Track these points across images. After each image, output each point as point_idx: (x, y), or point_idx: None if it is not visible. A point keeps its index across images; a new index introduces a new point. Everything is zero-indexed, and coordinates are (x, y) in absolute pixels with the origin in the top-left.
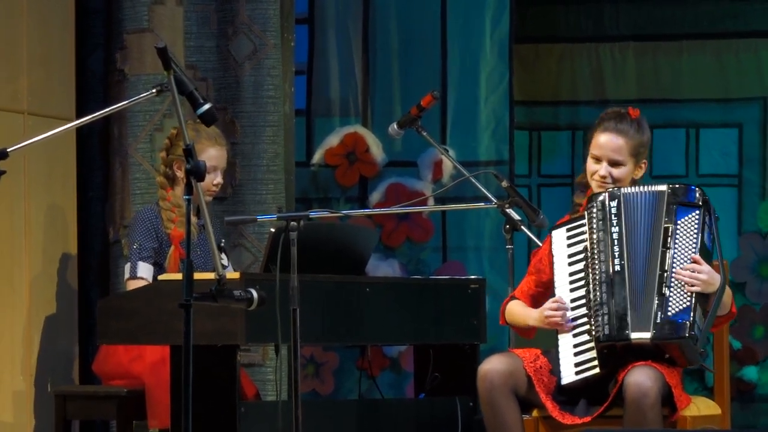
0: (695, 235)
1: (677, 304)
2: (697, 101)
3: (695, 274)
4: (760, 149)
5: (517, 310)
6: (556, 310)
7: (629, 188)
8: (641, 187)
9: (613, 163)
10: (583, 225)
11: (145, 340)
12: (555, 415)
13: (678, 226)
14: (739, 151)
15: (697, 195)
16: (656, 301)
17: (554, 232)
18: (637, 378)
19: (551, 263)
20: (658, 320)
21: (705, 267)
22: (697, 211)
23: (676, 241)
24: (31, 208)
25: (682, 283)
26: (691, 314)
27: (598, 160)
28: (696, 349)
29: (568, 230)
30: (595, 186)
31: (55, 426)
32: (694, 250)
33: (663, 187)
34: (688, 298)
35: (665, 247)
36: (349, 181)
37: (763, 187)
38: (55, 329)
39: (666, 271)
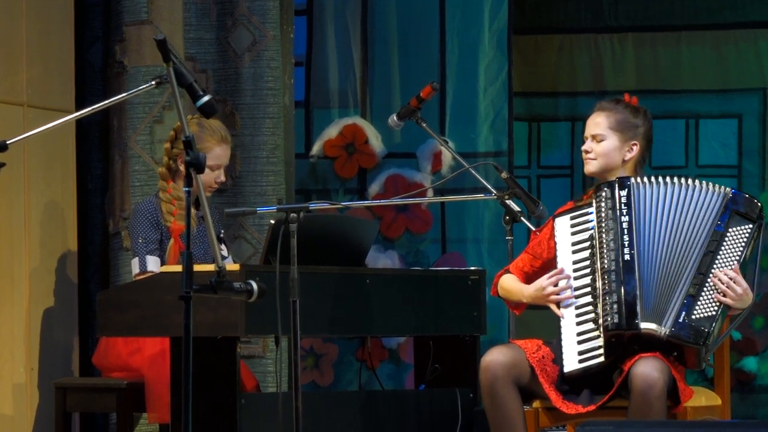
0: (741, 248)
1: (704, 310)
2: (696, 92)
3: (733, 285)
4: (759, 140)
5: (511, 285)
6: (554, 284)
7: (641, 178)
8: (683, 181)
9: (595, 138)
10: (588, 213)
11: (145, 332)
12: (558, 405)
13: (728, 234)
14: (739, 141)
15: (757, 209)
16: (683, 300)
17: (557, 220)
18: (644, 369)
19: (551, 249)
20: (680, 319)
21: (743, 283)
22: (751, 226)
23: (722, 248)
24: (31, 200)
25: (716, 289)
26: (714, 324)
27: (585, 139)
28: (705, 358)
29: (572, 218)
30: (584, 165)
31: (55, 418)
32: (737, 261)
33: (728, 190)
34: (716, 308)
35: (710, 250)
36: (348, 172)
37: (762, 177)
38: (55, 322)
39: (703, 274)
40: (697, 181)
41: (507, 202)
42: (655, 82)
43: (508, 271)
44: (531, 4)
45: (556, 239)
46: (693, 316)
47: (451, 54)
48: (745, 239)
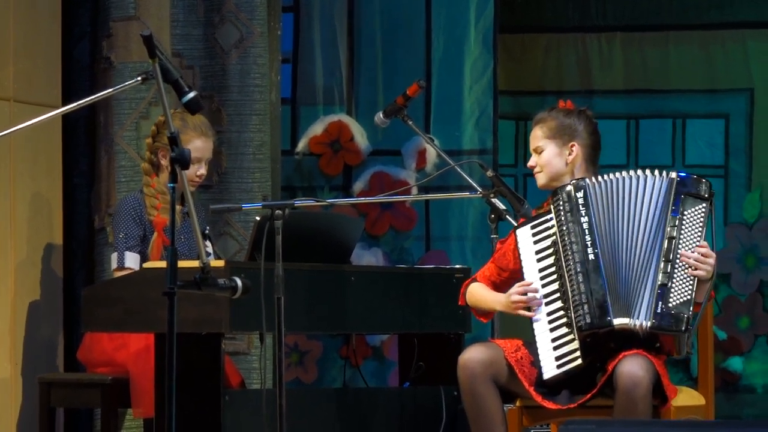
0: (700, 229)
1: (679, 296)
2: (683, 92)
3: (705, 258)
4: (746, 140)
5: (482, 293)
6: (523, 294)
7: (594, 178)
8: (630, 173)
9: (535, 152)
10: (548, 220)
11: (130, 327)
12: (539, 401)
13: (685, 217)
14: (726, 141)
15: (706, 187)
16: (657, 290)
17: (518, 231)
18: (630, 368)
19: (516, 260)
20: (658, 310)
21: (713, 254)
22: (705, 204)
23: (683, 232)
24: (17, 195)
25: (688, 266)
26: (691, 308)
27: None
28: (688, 343)
29: (533, 227)
30: (536, 181)
31: (40, 413)
32: (699, 240)
33: (672, 175)
34: (689, 292)
35: (671, 237)
36: (334, 169)
37: (749, 177)
38: (40, 317)
39: (669, 262)
40: (641, 171)
41: (492, 200)
42: (643, 81)
43: (475, 280)
44: (519, 3)
45: (519, 251)
46: (670, 304)
47: (437, 51)
48: (702, 218)
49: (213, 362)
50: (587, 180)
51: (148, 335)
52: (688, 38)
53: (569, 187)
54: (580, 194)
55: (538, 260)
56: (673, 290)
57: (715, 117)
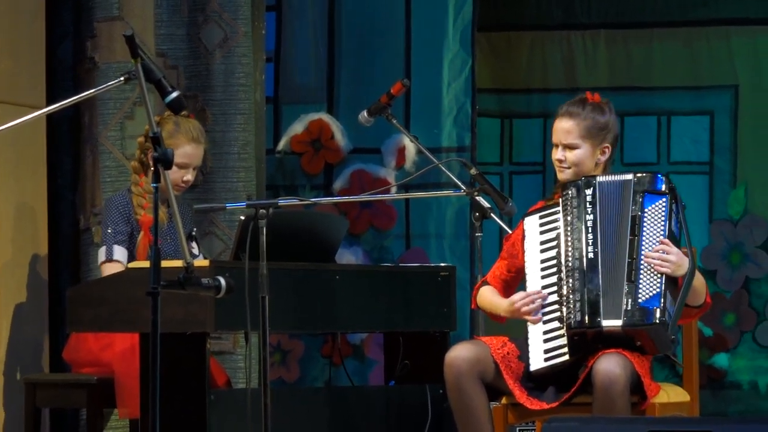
0: (663, 223)
1: (647, 291)
2: (668, 89)
3: (664, 255)
4: (731, 137)
5: (488, 298)
6: (524, 298)
7: (604, 176)
8: (612, 176)
9: (567, 147)
10: (556, 213)
11: (115, 327)
12: (522, 401)
13: (645, 214)
14: (711, 138)
15: (664, 182)
16: (626, 289)
17: (527, 219)
18: (606, 365)
19: (523, 250)
20: (629, 307)
21: (674, 249)
22: (664, 199)
23: (644, 228)
24: (0, 196)
25: (651, 266)
26: (661, 300)
27: (556, 146)
28: (667, 336)
29: (541, 217)
30: (557, 172)
31: (25, 414)
32: (662, 236)
33: (629, 176)
34: (658, 285)
35: (633, 234)
36: (315, 168)
37: (734, 174)
38: (25, 317)
39: (634, 259)
40: (610, 176)
41: (477, 198)
42: (627, 78)
43: (486, 282)
44: (504, 1)
45: (525, 239)
46: (639, 300)
47: (416, 49)
48: (663, 214)
49: (198, 362)
50: (598, 178)
51: (133, 335)
52: (673, 35)
53: (580, 183)
54: (589, 191)
55: (542, 251)
56: (641, 286)
57: (700, 114)
